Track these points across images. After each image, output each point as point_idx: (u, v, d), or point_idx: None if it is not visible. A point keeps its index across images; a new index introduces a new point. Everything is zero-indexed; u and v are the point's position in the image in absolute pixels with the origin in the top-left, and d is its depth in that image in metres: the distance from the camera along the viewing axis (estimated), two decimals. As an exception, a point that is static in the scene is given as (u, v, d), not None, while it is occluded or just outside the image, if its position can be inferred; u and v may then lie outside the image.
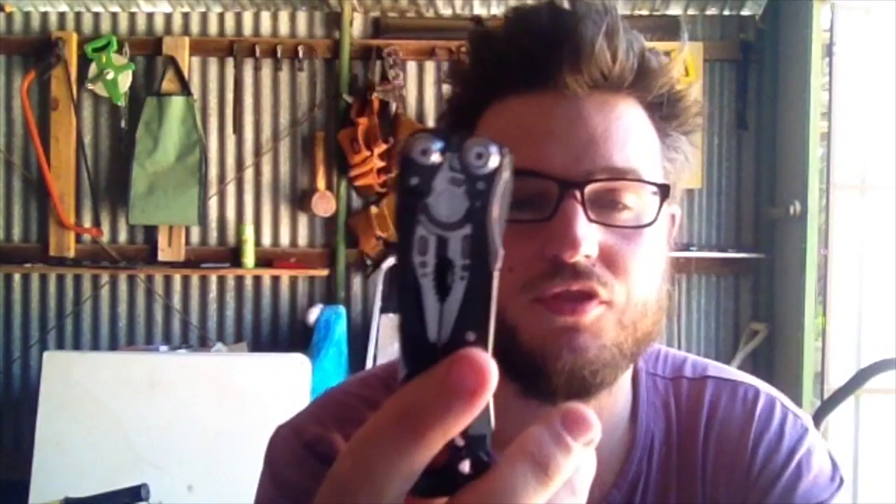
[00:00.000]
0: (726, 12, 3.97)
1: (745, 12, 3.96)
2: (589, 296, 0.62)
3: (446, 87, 0.73)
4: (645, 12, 3.94)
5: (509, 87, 0.66)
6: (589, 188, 0.62)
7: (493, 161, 0.28)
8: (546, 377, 0.62)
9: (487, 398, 0.27)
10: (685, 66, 3.54)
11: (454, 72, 0.72)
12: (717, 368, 0.78)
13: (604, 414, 0.70)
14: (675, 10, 3.96)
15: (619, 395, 0.72)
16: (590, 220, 0.62)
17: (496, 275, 0.28)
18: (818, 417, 2.42)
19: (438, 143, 0.28)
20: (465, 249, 0.28)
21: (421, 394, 0.27)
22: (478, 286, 0.28)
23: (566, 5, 0.66)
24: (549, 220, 0.62)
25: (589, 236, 0.61)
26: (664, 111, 0.68)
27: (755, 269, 3.87)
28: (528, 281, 0.62)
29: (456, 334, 0.28)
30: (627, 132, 0.65)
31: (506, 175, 0.28)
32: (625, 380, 0.72)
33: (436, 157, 0.28)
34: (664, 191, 0.65)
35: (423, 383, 0.27)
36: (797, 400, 3.29)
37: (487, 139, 0.28)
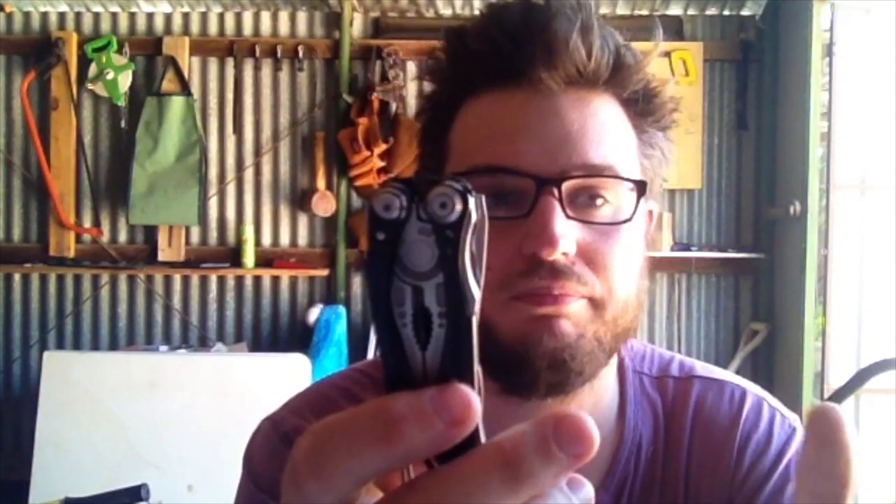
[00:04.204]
0: (726, 12, 3.97)
1: (745, 12, 3.96)
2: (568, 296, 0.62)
3: (426, 85, 0.73)
4: (645, 12, 3.94)
5: (483, 84, 0.66)
6: (566, 185, 0.62)
7: (458, 208, 0.27)
8: (528, 364, 0.62)
9: (466, 431, 0.26)
10: (685, 65, 3.51)
11: (431, 69, 0.71)
12: (704, 368, 0.77)
13: (584, 411, 0.69)
14: (675, 10, 3.96)
15: (601, 392, 0.72)
16: (567, 216, 0.61)
17: (474, 320, 0.28)
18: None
19: (401, 195, 0.28)
20: (440, 297, 0.28)
21: (403, 404, 0.26)
22: (456, 333, 0.28)
23: (540, 0, 0.65)
24: (526, 218, 0.61)
25: (566, 233, 0.61)
26: (640, 107, 0.67)
27: (755, 269, 3.87)
28: (506, 279, 0.62)
29: (440, 382, 0.27)
30: (603, 128, 0.64)
31: (474, 218, 0.28)
32: (607, 377, 0.72)
33: (400, 211, 0.28)
34: (641, 187, 0.65)
35: (407, 397, 0.26)
36: (797, 400, 3.29)
37: (451, 186, 0.28)
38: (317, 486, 0.27)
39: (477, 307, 0.28)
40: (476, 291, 0.28)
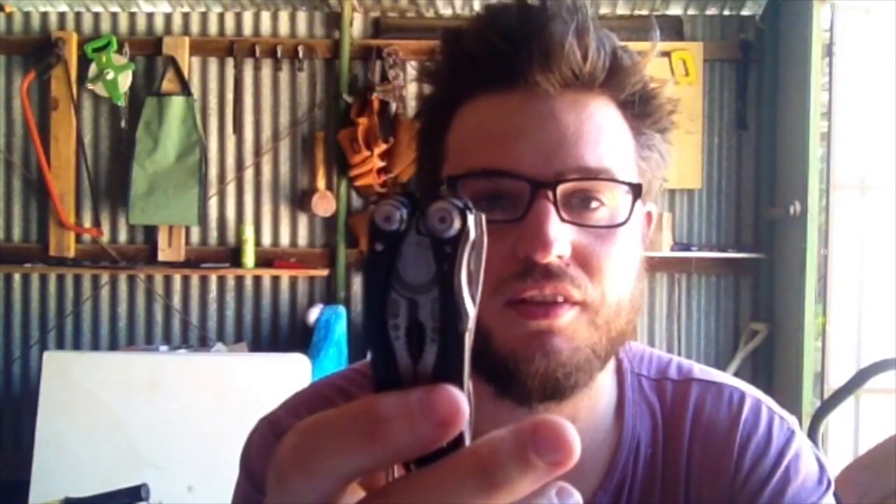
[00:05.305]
0: (726, 12, 3.97)
1: (745, 12, 3.96)
2: (562, 299, 0.62)
3: (425, 86, 0.73)
4: (645, 12, 3.94)
5: (480, 86, 0.66)
6: (561, 188, 0.62)
7: (457, 224, 0.27)
8: (520, 381, 0.62)
9: (452, 433, 0.26)
10: (685, 65, 3.50)
11: (428, 71, 0.71)
12: (701, 371, 0.77)
13: (581, 415, 0.70)
14: (675, 10, 3.96)
15: (598, 395, 0.72)
16: (562, 219, 0.61)
17: (468, 336, 0.28)
18: (818, 417, 2.42)
19: (402, 208, 0.28)
20: (434, 312, 0.28)
21: (389, 404, 0.26)
22: (449, 348, 0.28)
23: (536, 3, 0.65)
24: (520, 221, 0.61)
25: (561, 236, 0.61)
26: (637, 109, 0.67)
27: (755, 269, 3.87)
28: (500, 282, 0.62)
29: None
30: (600, 131, 0.64)
31: (473, 235, 0.28)
32: (605, 380, 0.72)
33: (400, 223, 0.28)
34: (637, 190, 0.65)
35: (395, 397, 0.26)
36: (797, 400, 3.29)
37: (451, 202, 0.28)
38: (301, 484, 0.27)
39: (471, 324, 0.28)
40: (471, 308, 0.28)
